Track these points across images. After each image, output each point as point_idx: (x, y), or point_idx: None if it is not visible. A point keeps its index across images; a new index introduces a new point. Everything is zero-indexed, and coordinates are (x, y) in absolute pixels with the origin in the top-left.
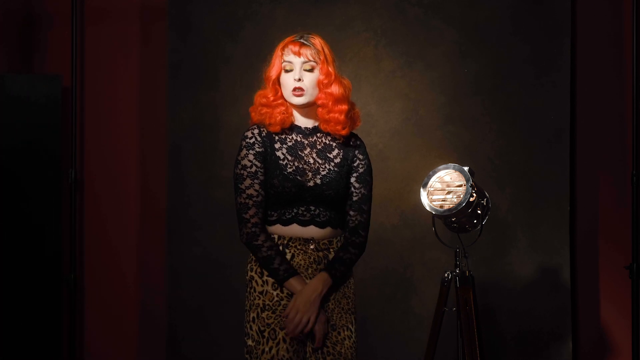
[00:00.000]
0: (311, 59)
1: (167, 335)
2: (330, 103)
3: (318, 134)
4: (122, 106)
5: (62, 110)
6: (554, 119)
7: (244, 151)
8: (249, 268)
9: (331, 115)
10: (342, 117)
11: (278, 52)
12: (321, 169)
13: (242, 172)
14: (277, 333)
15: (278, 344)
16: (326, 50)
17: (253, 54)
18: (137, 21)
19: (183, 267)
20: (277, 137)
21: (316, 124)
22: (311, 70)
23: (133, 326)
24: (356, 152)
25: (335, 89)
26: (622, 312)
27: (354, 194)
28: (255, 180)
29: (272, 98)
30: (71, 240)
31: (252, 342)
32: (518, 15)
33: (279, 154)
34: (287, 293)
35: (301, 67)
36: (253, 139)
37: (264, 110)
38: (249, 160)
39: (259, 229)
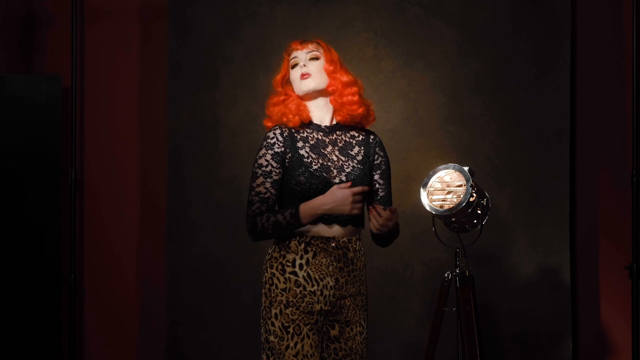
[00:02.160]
0: (314, 49)
1: (167, 335)
2: (340, 86)
3: (337, 132)
4: (122, 106)
5: (62, 110)
6: (554, 119)
7: (263, 150)
8: (268, 265)
9: (344, 98)
10: (356, 97)
11: (284, 56)
12: (345, 166)
13: (257, 170)
14: (301, 329)
15: (303, 339)
16: (329, 47)
17: (253, 54)
18: (137, 21)
19: (183, 267)
20: (299, 137)
21: (334, 122)
22: (316, 58)
23: (133, 326)
24: (377, 149)
25: (343, 72)
26: (622, 312)
27: (380, 190)
28: (268, 179)
29: (282, 98)
30: (71, 240)
31: (275, 338)
32: (518, 15)
33: (302, 152)
34: (310, 290)
35: (306, 58)
36: (274, 139)
37: (276, 109)
38: (266, 160)
39: (254, 221)
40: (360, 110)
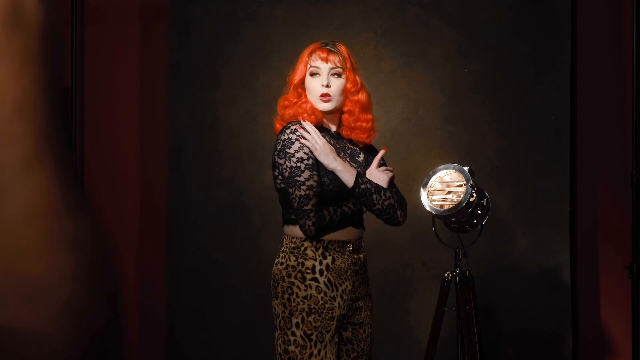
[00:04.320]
0: (338, 65)
1: (167, 336)
2: (357, 110)
3: (344, 139)
4: (122, 106)
5: (62, 110)
6: (554, 119)
7: (297, 144)
8: (285, 275)
9: (358, 123)
10: (369, 125)
11: (304, 57)
12: None
13: (299, 164)
14: (324, 336)
15: (325, 346)
16: (352, 58)
17: (253, 54)
18: (137, 21)
19: (183, 267)
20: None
21: (339, 129)
22: (338, 76)
23: (133, 326)
24: (374, 155)
25: (362, 96)
26: (622, 312)
27: None
28: (314, 172)
29: (295, 100)
30: None
31: (296, 347)
32: (518, 15)
33: None
34: (331, 296)
35: (329, 73)
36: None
37: (288, 111)
38: (305, 153)
39: (321, 214)
40: (368, 140)
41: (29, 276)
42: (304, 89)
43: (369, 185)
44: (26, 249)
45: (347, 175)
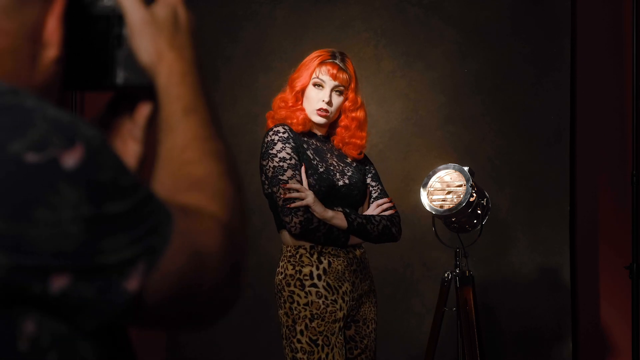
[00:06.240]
0: (343, 83)
1: (167, 335)
2: (353, 126)
3: (331, 143)
4: None
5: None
6: (554, 119)
7: (280, 144)
8: (284, 284)
9: (352, 139)
10: (362, 142)
11: (312, 65)
12: (346, 170)
13: (281, 164)
14: (330, 339)
15: (332, 349)
16: (356, 76)
17: (253, 54)
18: None
19: None
20: (303, 138)
21: (326, 133)
22: (340, 93)
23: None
24: (365, 160)
25: (360, 114)
26: (622, 312)
27: (374, 191)
28: (297, 172)
29: (291, 104)
30: None
31: (304, 354)
32: (518, 15)
33: (309, 153)
34: (332, 300)
35: (332, 90)
36: (287, 134)
37: (283, 112)
38: (288, 153)
39: (309, 216)
40: (359, 157)
41: (196, 176)
42: (302, 94)
43: (359, 219)
44: (191, 160)
45: (339, 220)
